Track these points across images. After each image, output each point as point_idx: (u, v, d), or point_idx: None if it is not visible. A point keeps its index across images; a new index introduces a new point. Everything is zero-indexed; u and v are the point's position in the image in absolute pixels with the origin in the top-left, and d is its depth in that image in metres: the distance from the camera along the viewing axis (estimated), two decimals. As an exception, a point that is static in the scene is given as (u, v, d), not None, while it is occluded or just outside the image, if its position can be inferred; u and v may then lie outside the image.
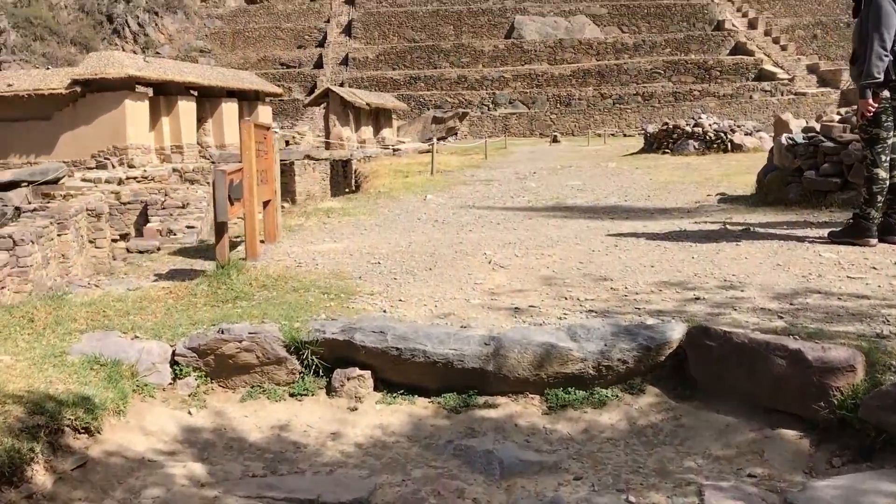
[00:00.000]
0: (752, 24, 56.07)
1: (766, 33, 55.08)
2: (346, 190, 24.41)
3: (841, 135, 6.96)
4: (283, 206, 23.51)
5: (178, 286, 4.26)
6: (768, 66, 49.93)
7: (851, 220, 5.16)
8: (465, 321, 3.60)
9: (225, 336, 3.16)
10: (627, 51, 53.89)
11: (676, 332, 3.14)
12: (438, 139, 48.04)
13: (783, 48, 53.18)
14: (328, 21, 60.61)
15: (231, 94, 32.29)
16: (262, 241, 5.74)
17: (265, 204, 5.60)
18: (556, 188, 10.98)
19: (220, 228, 4.32)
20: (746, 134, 21.02)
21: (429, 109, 50.24)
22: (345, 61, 55.95)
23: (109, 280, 4.55)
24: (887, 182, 5.07)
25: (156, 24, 67.90)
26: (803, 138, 7.31)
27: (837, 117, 7.84)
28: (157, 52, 63.07)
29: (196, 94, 30.30)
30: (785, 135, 7.58)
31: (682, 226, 6.39)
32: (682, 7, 56.81)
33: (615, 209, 8.08)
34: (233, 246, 5.55)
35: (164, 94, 28.59)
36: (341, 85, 52.50)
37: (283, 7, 64.11)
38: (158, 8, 67.91)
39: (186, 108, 29.29)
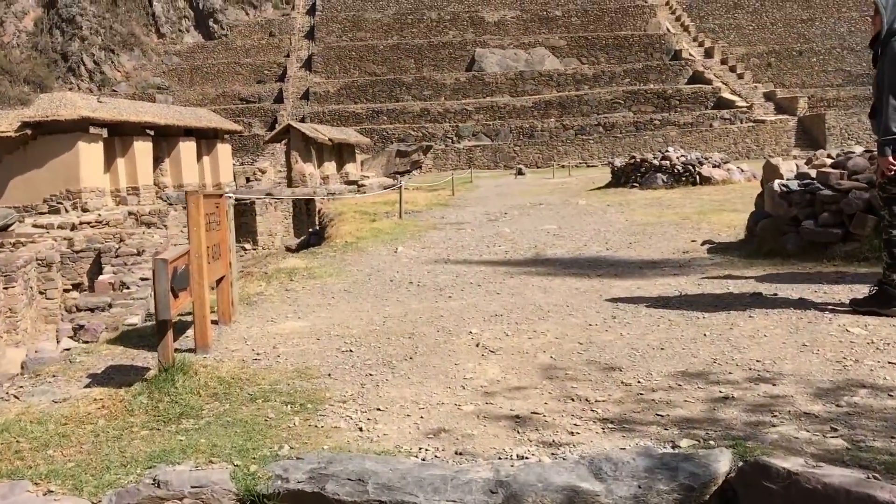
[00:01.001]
0: (708, 53, 56.93)
1: (723, 62, 55.93)
2: (310, 230, 23.71)
3: (839, 182, 6.55)
4: (244, 249, 22.58)
5: (113, 396, 3.58)
6: (726, 94, 50.58)
7: (875, 289, 4.67)
8: (461, 443, 2.99)
9: (161, 492, 2.50)
10: (587, 82, 54.27)
11: (722, 463, 2.56)
12: (403, 173, 47.66)
13: (740, 76, 53.99)
14: (288, 55, 60.18)
15: (189, 132, 31.49)
16: (215, 322, 5.06)
17: (219, 281, 4.94)
18: (532, 234, 10.45)
19: (161, 327, 3.67)
20: (714, 166, 20.80)
21: (392, 143, 49.86)
22: (306, 95, 55.47)
23: (33, 386, 3.85)
24: None
25: (112, 62, 66.84)
26: (798, 185, 6.88)
27: (829, 160, 7.45)
28: (114, 90, 61.98)
29: (153, 133, 29.49)
30: (777, 181, 7.15)
31: (680, 287, 5.87)
32: (640, 38, 57.51)
33: (599, 262, 7.56)
34: (182, 328, 4.89)
35: (119, 134, 27.74)
36: (302, 120, 51.91)
37: (242, 42, 63.56)
38: (114, 45, 66.91)
39: (142, 148, 28.43)
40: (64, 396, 3.65)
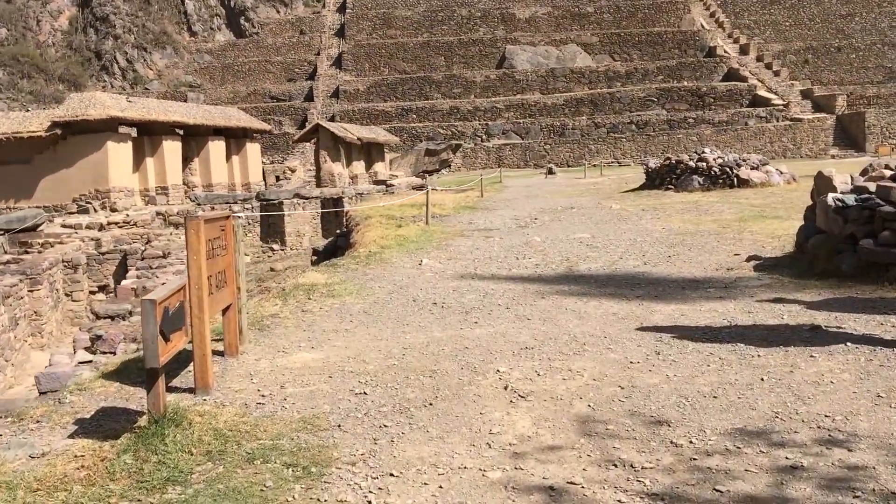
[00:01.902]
0: (743, 50, 55.69)
1: (759, 59, 54.68)
2: (337, 231, 23.40)
3: None
4: (272, 250, 22.34)
5: (96, 452, 3.19)
6: (762, 92, 49.39)
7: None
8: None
9: None
10: (620, 79, 53.37)
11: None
12: (432, 171, 47.30)
13: (776, 73, 52.71)
14: (318, 54, 60.07)
15: (218, 131, 31.39)
16: (221, 354, 4.68)
17: (225, 310, 4.54)
18: (563, 243, 9.96)
19: (150, 375, 3.28)
20: (753, 168, 20.08)
21: (421, 141, 49.48)
22: (335, 94, 55.30)
23: (13, 435, 3.49)
24: None
25: (144, 60, 67.34)
26: (855, 200, 6.32)
27: (888, 172, 6.87)
28: (146, 88, 62.41)
29: (182, 132, 29.41)
30: (832, 195, 6.58)
31: (729, 315, 5.36)
32: (674, 34, 56.43)
33: (637, 279, 7.06)
34: (187, 359, 4.50)
35: (148, 133, 27.68)
36: (332, 118, 51.75)
37: (273, 41, 63.60)
38: (147, 44, 67.40)
39: (171, 147, 28.35)
40: (43, 450, 3.27)
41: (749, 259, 7.53)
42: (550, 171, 38.78)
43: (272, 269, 23.41)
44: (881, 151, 41.36)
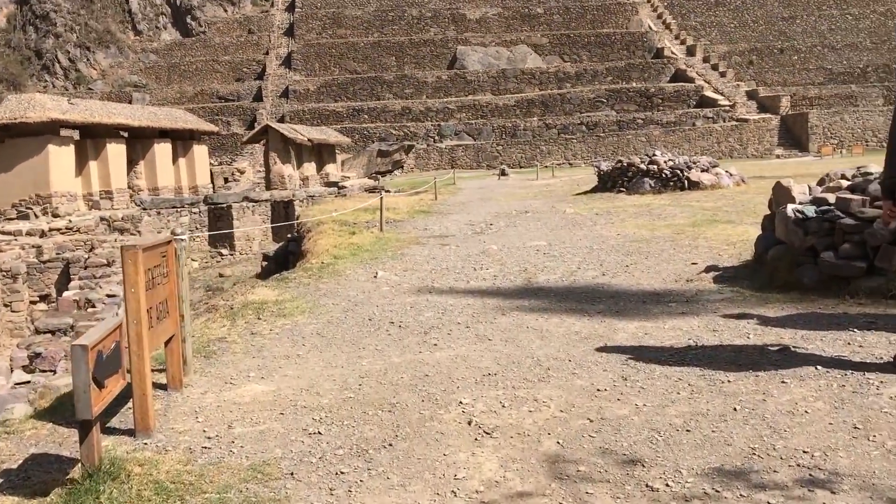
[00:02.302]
0: (690, 52, 56.58)
1: (705, 60, 55.63)
2: (288, 235, 22.93)
3: (862, 210, 5.94)
4: (220, 255, 21.71)
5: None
6: (709, 93, 50.23)
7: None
8: None
9: None
10: (570, 80, 53.74)
11: None
12: (384, 172, 46.94)
13: (722, 74, 53.69)
14: (267, 53, 59.17)
15: (164, 133, 30.60)
16: (163, 388, 4.37)
17: (168, 340, 4.24)
18: (520, 252, 9.80)
19: (83, 427, 2.98)
20: (703, 170, 20.25)
21: (373, 142, 49.08)
22: (285, 94, 54.53)
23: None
24: None
25: (87, 60, 65.55)
26: (815, 212, 6.27)
27: (845, 182, 6.84)
28: (90, 89, 60.69)
29: (126, 135, 28.58)
30: (791, 206, 6.53)
31: (694, 333, 5.23)
32: (622, 36, 57.06)
33: (597, 292, 6.92)
34: (128, 392, 4.18)
35: (91, 136, 26.81)
36: (281, 119, 50.98)
37: (221, 40, 62.44)
38: (90, 43, 65.60)
39: (116, 150, 27.51)
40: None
41: (708, 269, 7.46)
42: (503, 173, 38.78)
43: (221, 275, 22.87)
44: (824, 151, 42.41)
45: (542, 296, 6.85)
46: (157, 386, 4.24)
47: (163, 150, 30.04)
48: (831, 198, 6.34)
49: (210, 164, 47.67)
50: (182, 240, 4.39)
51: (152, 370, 3.94)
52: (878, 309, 5.47)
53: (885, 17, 59.31)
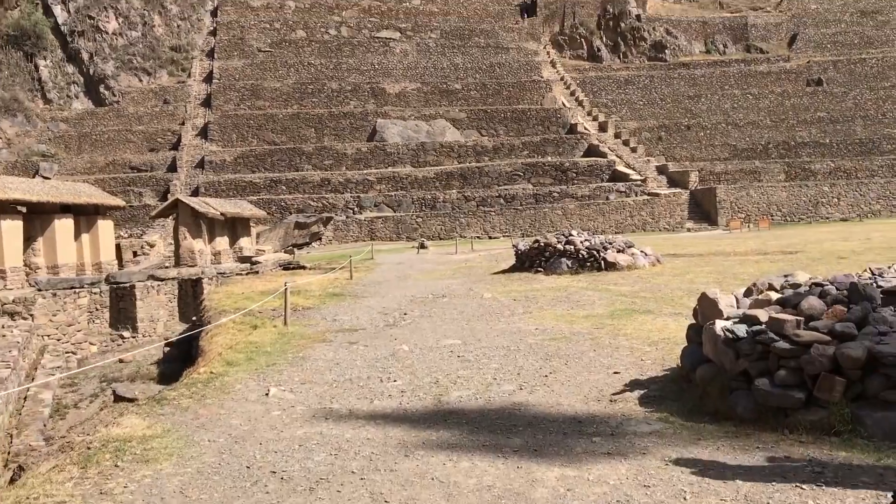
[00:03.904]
0: (602, 128, 58.51)
1: (617, 135, 57.58)
2: (193, 318, 21.83)
3: (797, 332, 5.54)
4: (122, 338, 20.26)
5: None
6: (621, 167, 51.77)
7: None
8: None
9: None
10: (487, 153, 54.60)
11: None
12: (301, 245, 46.04)
13: (633, 150, 55.57)
14: (183, 123, 58.12)
15: (67, 208, 29.15)
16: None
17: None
18: (433, 354, 9.26)
19: None
20: (619, 251, 20.42)
21: (291, 213, 48.28)
22: (201, 164, 53.41)
23: None
24: None
25: (-10, 127, 62.86)
26: (746, 332, 5.90)
27: (774, 295, 6.56)
28: (-8, 157, 57.99)
29: (24, 209, 27.06)
30: (720, 324, 6.20)
31: (622, 489, 4.60)
32: (537, 111, 58.60)
33: (515, 418, 6.24)
34: None
35: (-18, 212, 25.23)
36: (196, 190, 49.74)
37: (135, 110, 61.09)
38: (-7, 109, 63.07)
39: (10, 227, 25.94)
40: None
41: (632, 386, 7.02)
42: (422, 246, 38.58)
43: (121, 360, 21.50)
44: (732, 225, 43.94)
45: (452, 423, 6.24)
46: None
47: (64, 225, 28.59)
48: (762, 315, 6.00)
49: (120, 236, 45.80)
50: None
51: None
52: (823, 451, 5.05)
53: (782, 97, 62.94)
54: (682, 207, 48.26)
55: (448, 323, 12.04)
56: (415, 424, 6.26)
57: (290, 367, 8.71)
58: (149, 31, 67.69)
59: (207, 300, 17.75)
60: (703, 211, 48.22)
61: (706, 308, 6.70)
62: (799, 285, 6.56)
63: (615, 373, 7.70)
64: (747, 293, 7.03)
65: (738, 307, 6.71)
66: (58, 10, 64.07)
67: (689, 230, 46.09)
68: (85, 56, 64.73)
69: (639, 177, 50.61)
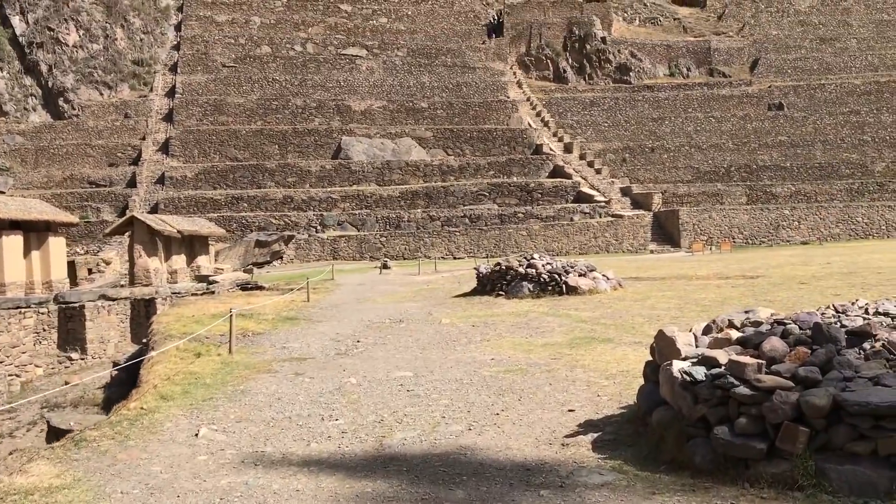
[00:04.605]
0: (567, 149, 58.67)
1: (582, 157, 57.77)
2: (143, 340, 21.06)
3: (758, 377, 5.17)
4: (69, 360, 19.47)
5: None
6: (585, 189, 51.85)
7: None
8: None
9: None
10: (453, 173, 54.38)
11: None
12: (262, 264, 45.24)
13: (598, 171, 55.78)
14: (144, 138, 57.08)
15: (16, 225, 28.14)
16: None
17: None
18: (381, 388, 8.77)
19: None
20: (580, 275, 20.14)
21: (252, 231, 47.47)
22: (161, 180, 52.38)
23: None
24: None
25: (-58, 139, 61.10)
26: (705, 375, 5.52)
27: (735, 333, 6.19)
28: (-57, 170, 56.30)
29: (-32, 226, 26.06)
30: (677, 365, 5.81)
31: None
32: (503, 132, 58.61)
33: (459, 467, 5.71)
34: None
35: (-78, 228, 24.23)
36: (156, 206, 48.69)
37: (95, 124, 59.87)
38: (-54, 121, 61.34)
39: (-47, 244, 24.97)
40: None
41: (586, 427, 6.61)
42: (385, 266, 38.07)
43: (67, 383, 20.65)
44: (695, 248, 44.12)
45: (392, 471, 5.74)
46: None
47: (12, 243, 27.57)
48: (722, 357, 5.62)
49: (76, 253, 44.51)
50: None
51: None
52: (785, 505, 4.72)
53: (744, 120, 63.79)
54: (645, 229, 48.41)
55: (402, 351, 11.58)
56: (351, 473, 5.76)
57: (227, 403, 8.16)
58: (111, 44, 66.54)
59: (156, 323, 17.04)
60: (666, 233, 48.42)
61: (664, 346, 6.33)
62: (760, 323, 6.23)
63: (570, 410, 7.30)
64: (706, 330, 6.69)
65: (696, 345, 6.35)
66: (16, 20, 62.68)
67: (652, 252, 46.20)
68: (44, 68, 63.37)
69: (603, 198, 50.74)
